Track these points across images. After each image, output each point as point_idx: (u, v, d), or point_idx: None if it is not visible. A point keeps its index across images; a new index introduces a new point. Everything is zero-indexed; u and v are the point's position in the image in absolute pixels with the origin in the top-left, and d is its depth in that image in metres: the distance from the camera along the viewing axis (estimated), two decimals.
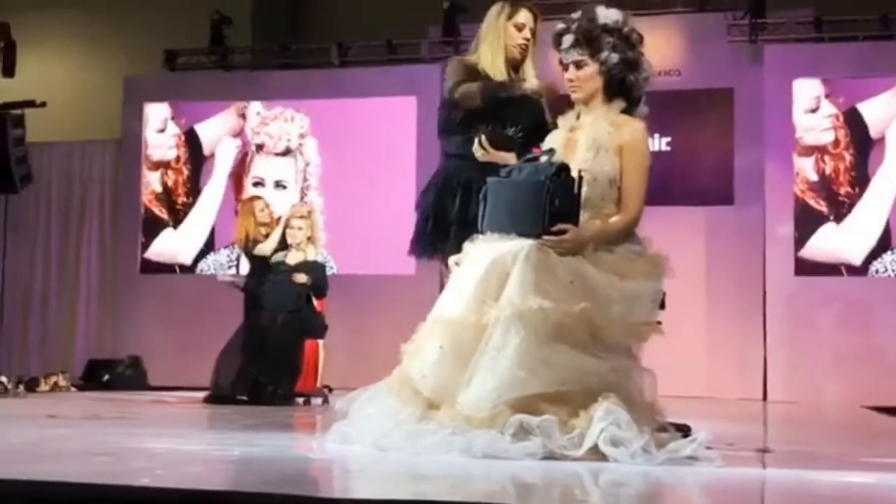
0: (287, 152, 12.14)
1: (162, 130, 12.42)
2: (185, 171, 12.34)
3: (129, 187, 12.44)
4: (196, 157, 12.32)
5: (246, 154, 12.23)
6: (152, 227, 12.36)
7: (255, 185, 12.01)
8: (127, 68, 12.60)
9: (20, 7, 12.20)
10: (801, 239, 10.66)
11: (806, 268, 10.64)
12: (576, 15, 4.19)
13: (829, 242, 10.63)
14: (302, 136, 12.12)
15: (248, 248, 8.37)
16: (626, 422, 3.47)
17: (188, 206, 12.30)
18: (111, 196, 12.80)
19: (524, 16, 4.79)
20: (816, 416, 8.33)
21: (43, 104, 11.00)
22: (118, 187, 12.68)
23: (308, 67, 12.35)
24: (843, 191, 10.67)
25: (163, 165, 12.39)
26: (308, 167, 12.06)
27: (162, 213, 12.33)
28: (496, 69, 4.71)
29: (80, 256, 12.80)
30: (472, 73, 4.75)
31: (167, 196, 12.33)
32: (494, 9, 4.88)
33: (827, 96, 10.79)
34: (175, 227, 12.29)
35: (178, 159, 12.35)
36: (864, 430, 6.67)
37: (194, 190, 12.30)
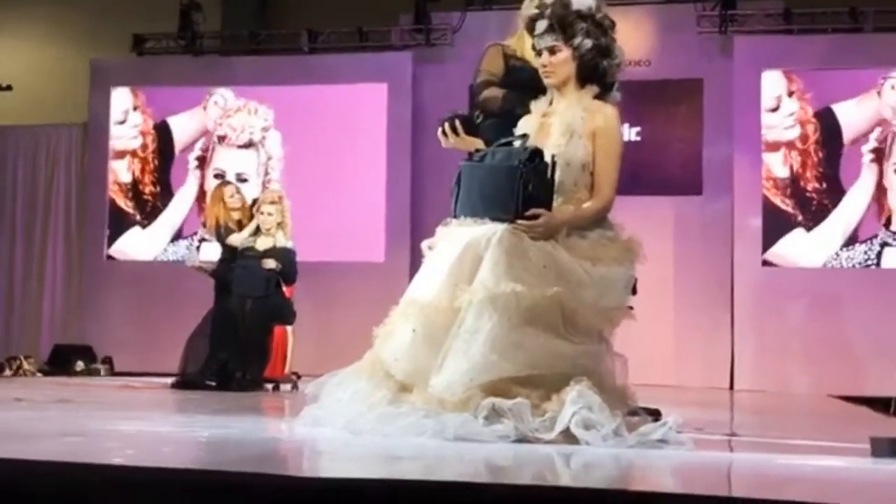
0: (249, 145, 12.07)
1: (122, 122, 12.28)
2: (153, 162, 12.21)
3: (96, 172, 12.33)
4: (166, 150, 12.20)
5: (208, 146, 12.15)
6: (117, 222, 12.22)
7: (216, 176, 11.92)
8: (94, 52, 12.49)
9: None
10: (767, 241, 10.72)
11: (773, 221, 10.74)
12: (549, 0, 4.19)
13: (796, 248, 10.72)
14: (265, 128, 12.04)
15: (220, 234, 8.34)
16: (597, 405, 3.48)
17: (156, 197, 12.17)
18: (77, 180, 12.69)
19: None
20: (783, 404, 8.40)
21: (9, 87, 10.93)
22: (84, 172, 12.58)
23: (277, 53, 12.29)
24: (810, 187, 10.75)
25: (128, 154, 12.26)
26: (270, 160, 12.00)
27: (127, 207, 12.20)
28: (531, 58, 4.54)
29: (47, 241, 12.68)
30: (508, 61, 4.62)
31: (133, 187, 12.22)
32: None
33: (791, 94, 10.85)
34: (143, 226, 12.16)
35: (144, 148, 12.24)
36: (830, 419, 6.73)
37: (163, 181, 12.16)
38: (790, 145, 10.81)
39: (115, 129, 12.28)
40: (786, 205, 10.75)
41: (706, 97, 11.16)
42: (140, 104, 12.27)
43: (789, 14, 11.13)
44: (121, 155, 12.27)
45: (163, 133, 12.22)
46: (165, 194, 12.18)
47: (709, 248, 10.99)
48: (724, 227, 10.90)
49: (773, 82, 10.89)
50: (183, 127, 12.20)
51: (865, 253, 10.59)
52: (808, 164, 10.77)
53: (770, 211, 10.74)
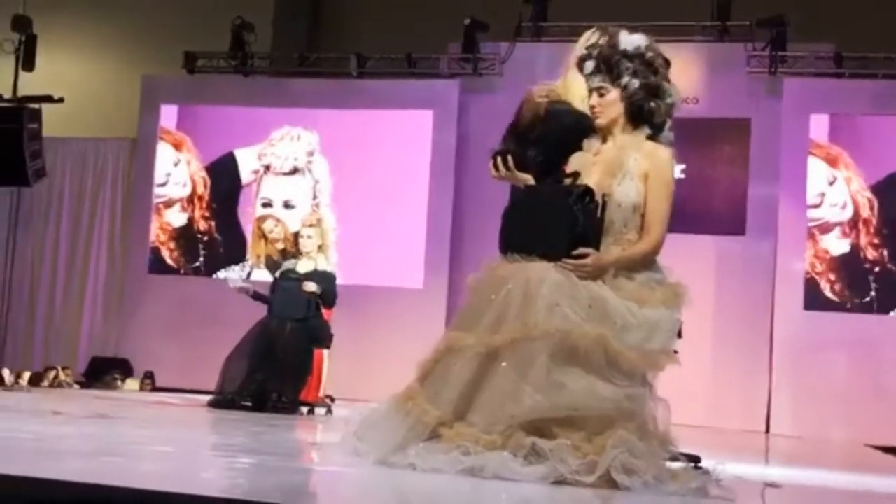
0: (294, 171, 12.12)
1: (163, 184, 12.38)
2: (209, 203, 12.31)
3: (142, 186, 12.44)
4: (229, 186, 12.31)
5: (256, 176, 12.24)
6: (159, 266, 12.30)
7: (264, 205, 12.00)
8: (146, 67, 12.62)
9: (44, 3, 12.23)
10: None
11: (815, 303, 10.63)
12: (598, 40, 4.16)
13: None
14: (310, 153, 12.09)
15: (270, 267, 8.40)
16: (639, 450, 3.43)
17: (210, 246, 12.24)
18: (123, 194, 12.80)
19: None
20: (819, 452, 8.29)
21: (61, 100, 11.04)
22: (131, 185, 12.68)
23: (326, 76, 12.37)
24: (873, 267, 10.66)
25: (178, 202, 12.38)
26: (318, 184, 12.04)
27: (170, 259, 12.28)
28: (578, 98, 4.45)
29: (90, 253, 12.79)
30: (546, 109, 4.57)
31: (185, 235, 12.30)
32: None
33: (832, 182, 10.78)
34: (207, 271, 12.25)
35: (192, 198, 12.34)
36: (867, 470, 6.63)
37: (224, 226, 12.24)
38: (841, 226, 10.79)
39: (161, 190, 12.40)
40: (833, 292, 10.67)
41: (753, 137, 11.13)
42: (185, 154, 12.35)
43: (840, 58, 11.07)
44: (167, 205, 12.38)
45: (223, 172, 12.27)
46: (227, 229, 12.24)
47: (750, 288, 10.91)
48: (766, 269, 10.82)
49: (817, 174, 10.83)
50: (247, 161, 12.29)
51: None
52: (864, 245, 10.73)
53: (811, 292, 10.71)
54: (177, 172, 12.37)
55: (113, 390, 10.40)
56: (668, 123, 4.17)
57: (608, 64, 4.05)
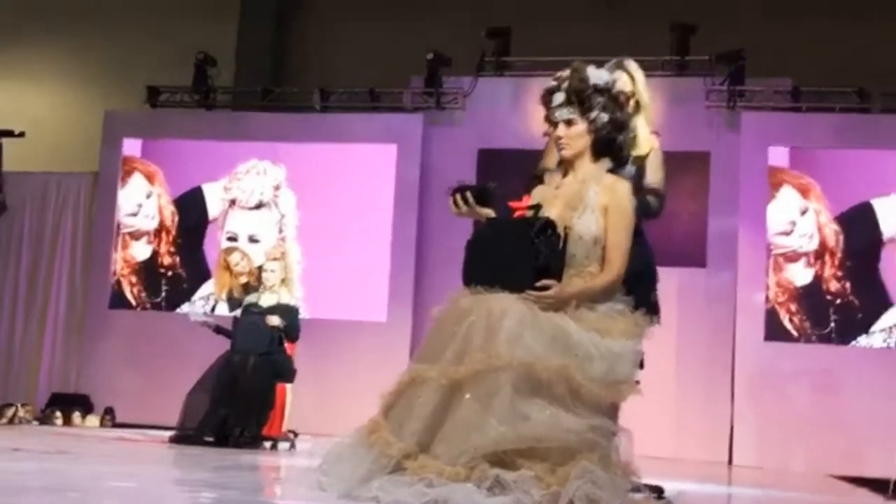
0: (260, 206, 12.08)
1: (134, 214, 12.32)
2: (173, 241, 12.23)
3: (104, 221, 12.35)
4: (196, 220, 12.24)
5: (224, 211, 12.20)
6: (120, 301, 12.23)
7: (229, 239, 11.95)
8: (108, 101, 12.58)
9: (3, 36, 12.20)
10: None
11: (776, 334, 10.71)
12: (566, 73, 4.22)
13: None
14: (277, 187, 12.06)
15: (230, 301, 8.38)
16: (602, 481, 3.46)
17: (174, 281, 12.16)
18: (84, 229, 12.70)
19: None
20: (781, 482, 8.34)
21: (21, 134, 10.95)
22: (92, 220, 12.59)
23: (290, 111, 12.38)
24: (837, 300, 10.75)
25: (145, 234, 12.32)
26: (284, 218, 12.01)
27: (130, 294, 12.20)
28: None
29: (50, 288, 12.65)
30: None
31: (147, 269, 12.23)
32: None
33: (804, 212, 10.89)
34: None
35: (159, 231, 12.27)
36: (829, 498, 6.68)
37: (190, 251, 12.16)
38: (808, 257, 10.88)
39: (129, 220, 12.33)
40: (791, 323, 10.75)
41: (713, 170, 11.22)
42: (157, 187, 12.30)
43: (797, 92, 11.21)
44: (134, 237, 12.31)
45: (190, 206, 12.22)
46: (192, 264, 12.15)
47: (711, 320, 10.98)
48: (727, 301, 10.89)
49: (785, 204, 10.92)
50: (214, 196, 12.23)
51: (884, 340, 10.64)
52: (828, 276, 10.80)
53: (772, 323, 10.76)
54: (148, 205, 12.31)
55: (52, 426, 10.27)
56: (631, 158, 4.24)
57: (579, 97, 4.11)
